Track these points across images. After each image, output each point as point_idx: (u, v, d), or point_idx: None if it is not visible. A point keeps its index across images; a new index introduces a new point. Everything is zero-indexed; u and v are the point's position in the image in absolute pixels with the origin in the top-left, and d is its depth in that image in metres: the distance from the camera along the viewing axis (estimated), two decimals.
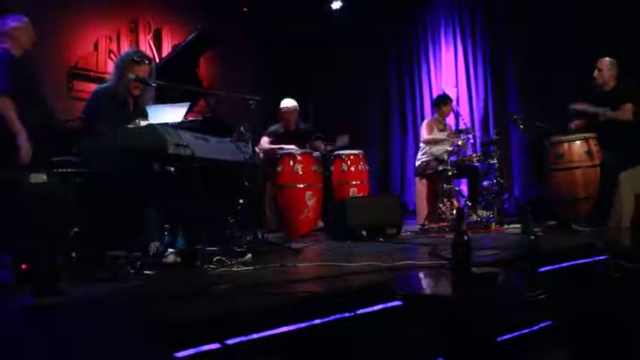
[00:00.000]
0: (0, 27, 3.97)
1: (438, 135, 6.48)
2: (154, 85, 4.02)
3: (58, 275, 2.87)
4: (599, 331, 2.77)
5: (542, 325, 2.61)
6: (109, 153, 3.56)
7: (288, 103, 6.37)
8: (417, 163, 6.63)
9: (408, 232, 5.65)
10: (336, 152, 6.26)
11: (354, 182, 6.10)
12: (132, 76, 3.86)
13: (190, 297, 2.63)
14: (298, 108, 6.40)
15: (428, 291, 2.81)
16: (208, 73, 7.71)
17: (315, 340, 2.12)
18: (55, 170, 3.64)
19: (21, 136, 3.61)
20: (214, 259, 3.52)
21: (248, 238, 4.17)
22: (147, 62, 4.01)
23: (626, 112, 5.28)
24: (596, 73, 5.52)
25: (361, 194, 6.11)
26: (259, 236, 4.23)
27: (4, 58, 3.84)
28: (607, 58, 5.49)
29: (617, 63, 5.49)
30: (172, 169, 3.79)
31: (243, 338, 1.92)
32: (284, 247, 4.35)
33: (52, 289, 2.64)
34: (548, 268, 3.21)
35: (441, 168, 6.04)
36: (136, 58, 3.97)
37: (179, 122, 4.48)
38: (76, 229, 3.48)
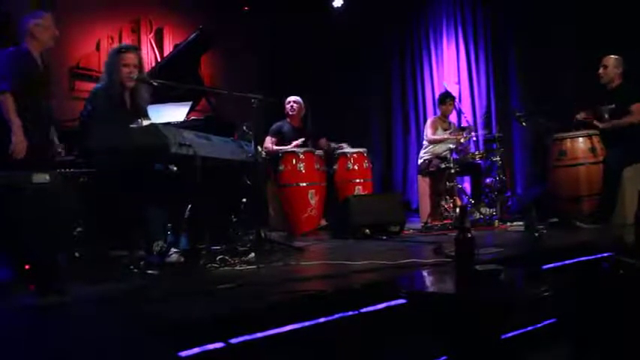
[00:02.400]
0: (21, 25, 3.87)
1: (442, 134, 6.49)
2: (155, 84, 4.01)
3: (61, 275, 2.87)
4: (603, 328, 2.77)
5: (547, 322, 2.61)
6: (111, 153, 3.56)
7: (294, 98, 6.35)
8: (420, 161, 6.62)
9: (411, 230, 5.64)
10: (341, 150, 6.26)
11: (357, 180, 6.10)
12: (134, 76, 3.85)
13: (194, 296, 2.64)
14: (303, 104, 6.39)
15: (432, 289, 2.80)
16: (209, 72, 7.70)
17: (319, 338, 2.12)
18: (58, 170, 3.65)
19: (16, 130, 3.59)
20: (218, 258, 3.52)
21: (251, 237, 4.17)
22: (133, 50, 4.01)
23: (637, 114, 5.16)
24: (601, 70, 5.37)
25: (365, 192, 6.11)
26: (262, 235, 4.23)
27: (16, 57, 3.76)
28: (613, 56, 5.36)
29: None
30: (175, 168, 3.79)
31: (247, 337, 1.92)
32: (287, 246, 4.35)
33: (55, 288, 2.65)
34: (552, 265, 3.20)
35: (443, 166, 6.03)
36: (121, 49, 3.96)
37: (181, 121, 4.48)
38: (79, 229, 3.49)
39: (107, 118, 3.77)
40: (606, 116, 5.38)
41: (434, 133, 6.47)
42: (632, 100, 5.19)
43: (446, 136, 6.37)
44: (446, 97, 6.63)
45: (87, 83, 6.57)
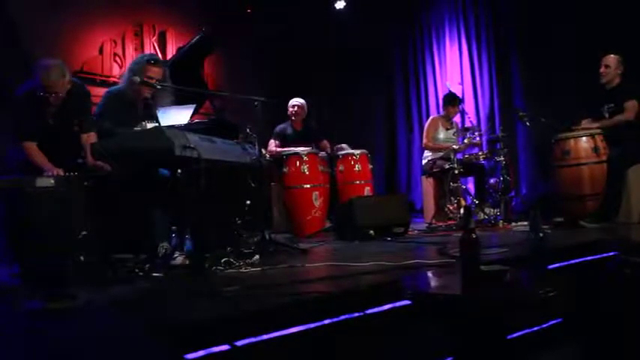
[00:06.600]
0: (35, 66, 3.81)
1: (443, 134, 6.52)
2: (159, 87, 4.02)
3: (68, 279, 2.88)
4: (609, 327, 2.76)
5: (552, 322, 2.61)
6: (116, 156, 3.56)
7: (295, 101, 6.39)
8: (424, 162, 6.63)
9: (416, 231, 5.63)
10: (343, 152, 6.27)
11: (357, 182, 6.11)
12: (137, 79, 3.86)
13: (199, 299, 2.64)
14: (306, 106, 6.40)
15: (436, 290, 2.80)
16: (213, 74, 7.71)
17: (324, 340, 2.12)
18: (62, 173, 3.65)
19: (48, 169, 3.67)
20: (222, 261, 3.52)
21: (256, 239, 4.17)
22: (161, 64, 4.07)
23: (630, 111, 5.19)
24: (603, 69, 5.36)
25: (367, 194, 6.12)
26: (267, 237, 4.23)
27: (27, 100, 3.76)
28: (613, 55, 5.35)
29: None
30: (179, 171, 3.80)
31: (252, 339, 1.92)
32: (292, 248, 4.35)
33: (61, 293, 2.65)
34: (557, 265, 3.20)
35: (447, 166, 6.03)
36: (150, 61, 4.02)
37: (185, 124, 4.49)
38: (84, 232, 3.49)
39: (114, 119, 3.80)
40: (606, 115, 5.38)
41: (429, 138, 6.53)
42: (631, 98, 5.19)
43: (441, 146, 6.42)
44: (454, 99, 6.64)
45: (91, 87, 6.57)
